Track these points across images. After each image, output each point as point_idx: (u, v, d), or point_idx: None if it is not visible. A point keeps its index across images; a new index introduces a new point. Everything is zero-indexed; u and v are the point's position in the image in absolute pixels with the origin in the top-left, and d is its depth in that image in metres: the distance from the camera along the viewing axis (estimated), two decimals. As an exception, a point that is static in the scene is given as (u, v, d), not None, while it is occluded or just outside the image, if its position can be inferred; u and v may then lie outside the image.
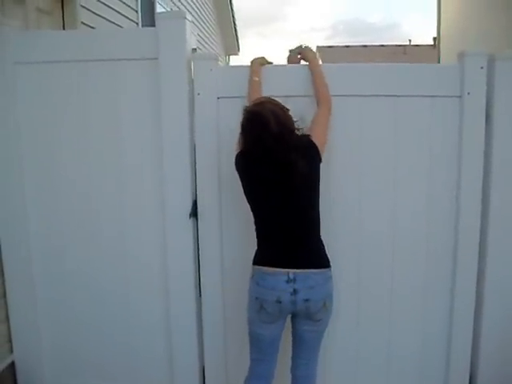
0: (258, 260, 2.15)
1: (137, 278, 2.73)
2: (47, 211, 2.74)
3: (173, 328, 2.70)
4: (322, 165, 2.17)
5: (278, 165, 2.04)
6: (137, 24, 5.52)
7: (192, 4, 8.18)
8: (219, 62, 2.65)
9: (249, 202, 2.17)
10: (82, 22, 3.77)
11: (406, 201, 2.53)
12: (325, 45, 24.39)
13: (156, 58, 2.48)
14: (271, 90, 2.34)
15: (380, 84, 2.47)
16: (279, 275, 2.06)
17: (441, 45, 10.10)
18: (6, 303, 2.83)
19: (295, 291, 2.06)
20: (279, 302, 2.07)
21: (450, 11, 9.52)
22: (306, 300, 2.07)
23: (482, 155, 2.43)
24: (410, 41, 23.59)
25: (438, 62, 9.34)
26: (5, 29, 2.57)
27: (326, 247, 2.18)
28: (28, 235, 2.74)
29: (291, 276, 2.05)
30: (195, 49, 2.75)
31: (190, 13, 7.31)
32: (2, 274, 2.79)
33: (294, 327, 2.24)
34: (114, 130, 2.62)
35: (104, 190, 2.67)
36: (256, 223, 2.18)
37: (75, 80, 2.60)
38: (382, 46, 22.60)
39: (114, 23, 4.71)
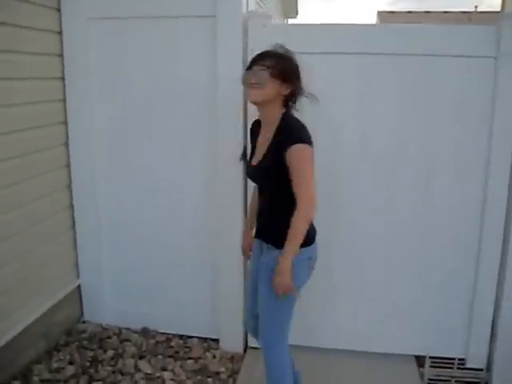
0: (312, 238, 2.22)
1: (187, 227, 3.07)
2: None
3: (220, 271, 3.00)
4: None
5: None
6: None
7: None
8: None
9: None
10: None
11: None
12: (386, 10, 23.71)
13: (214, 16, 2.66)
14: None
15: (422, 43, 2.60)
16: None
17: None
18: (74, 233, 3.20)
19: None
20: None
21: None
22: None
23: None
24: (476, 7, 22.53)
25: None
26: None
27: None
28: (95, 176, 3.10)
29: None
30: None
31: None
32: (72, 207, 3.16)
33: None
34: (172, 83, 2.87)
35: (162, 134, 2.98)
36: None
37: (140, 33, 2.86)
38: (446, 12, 21.72)
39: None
